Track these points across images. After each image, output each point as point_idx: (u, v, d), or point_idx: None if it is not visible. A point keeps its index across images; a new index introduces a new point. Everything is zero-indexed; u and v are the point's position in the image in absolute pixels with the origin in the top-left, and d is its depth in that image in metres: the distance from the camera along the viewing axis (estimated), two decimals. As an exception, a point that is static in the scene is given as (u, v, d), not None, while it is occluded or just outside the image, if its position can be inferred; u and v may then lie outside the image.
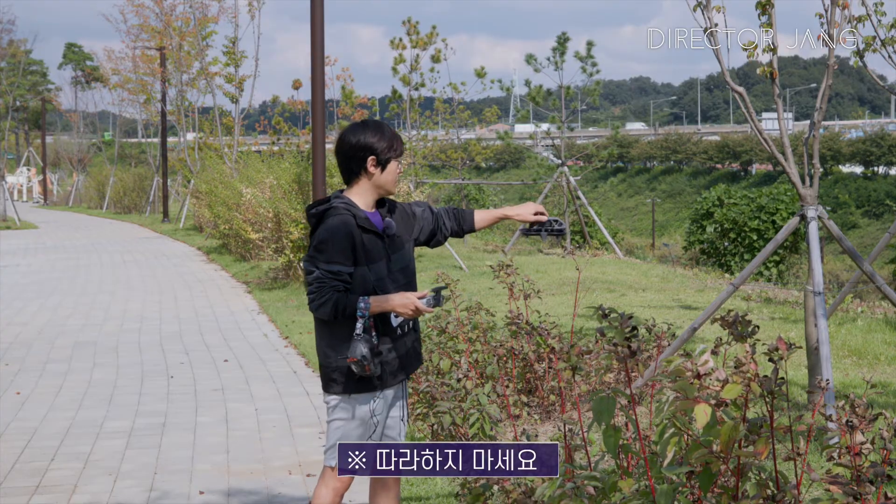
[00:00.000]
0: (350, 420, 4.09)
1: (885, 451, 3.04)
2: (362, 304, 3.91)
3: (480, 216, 4.40)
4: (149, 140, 42.97)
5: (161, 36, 30.12)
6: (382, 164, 4.09)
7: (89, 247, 24.38)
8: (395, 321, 4.08)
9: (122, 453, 6.65)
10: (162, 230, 29.75)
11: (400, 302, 3.95)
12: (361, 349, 3.90)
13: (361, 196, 4.12)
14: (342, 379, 4.06)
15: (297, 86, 25.60)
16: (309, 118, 16.25)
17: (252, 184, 18.45)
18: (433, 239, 4.37)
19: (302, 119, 26.26)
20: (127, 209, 41.32)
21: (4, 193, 34.48)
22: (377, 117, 26.33)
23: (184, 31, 29.08)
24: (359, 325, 3.92)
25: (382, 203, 4.19)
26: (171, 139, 37.40)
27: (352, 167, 4.09)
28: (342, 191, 4.17)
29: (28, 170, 61.66)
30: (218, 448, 6.76)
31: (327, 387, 4.10)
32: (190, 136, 31.53)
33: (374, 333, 3.99)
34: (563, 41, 20.17)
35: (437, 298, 3.99)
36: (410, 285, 4.18)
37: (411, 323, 4.18)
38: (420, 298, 3.96)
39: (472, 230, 4.39)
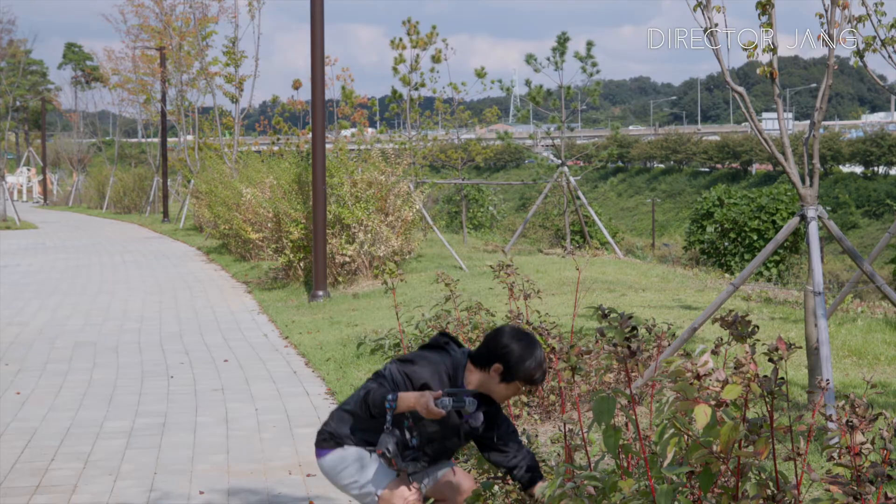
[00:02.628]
0: (360, 470, 4.10)
1: (885, 451, 3.04)
2: (391, 397, 3.91)
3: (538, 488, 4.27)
4: (149, 140, 42.97)
5: (161, 36, 30.12)
6: (507, 380, 4.07)
7: (89, 247, 24.38)
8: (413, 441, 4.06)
9: (122, 453, 6.65)
10: (162, 230, 29.75)
11: (418, 400, 3.90)
12: (387, 442, 3.93)
13: (472, 374, 4.12)
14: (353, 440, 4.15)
15: (297, 86, 25.61)
16: (309, 118, 16.25)
17: (252, 184, 18.45)
18: (479, 439, 4.31)
19: (302, 119, 26.27)
20: (127, 209, 41.32)
21: (4, 193, 34.48)
22: (377, 117, 26.35)
23: (184, 31, 29.08)
24: (388, 416, 3.93)
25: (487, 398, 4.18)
26: (171, 139, 37.40)
27: (486, 355, 4.09)
28: (469, 351, 4.18)
29: (28, 170, 61.68)
30: (218, 448, 6.76)
31: (320, 444, 4.17)
32: (189, 136, 31.53)
33: (414, 434, 3.98)
34: (563, 41, 20.16)
35: (458, 401, 3.91)
36: (435, 462, 4.21)
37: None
38: (437, 399, 3.91)
39: (523, 490, 4.30)
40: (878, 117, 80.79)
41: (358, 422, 4.11)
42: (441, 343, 4.17)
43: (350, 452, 4.12)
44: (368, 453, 4.11)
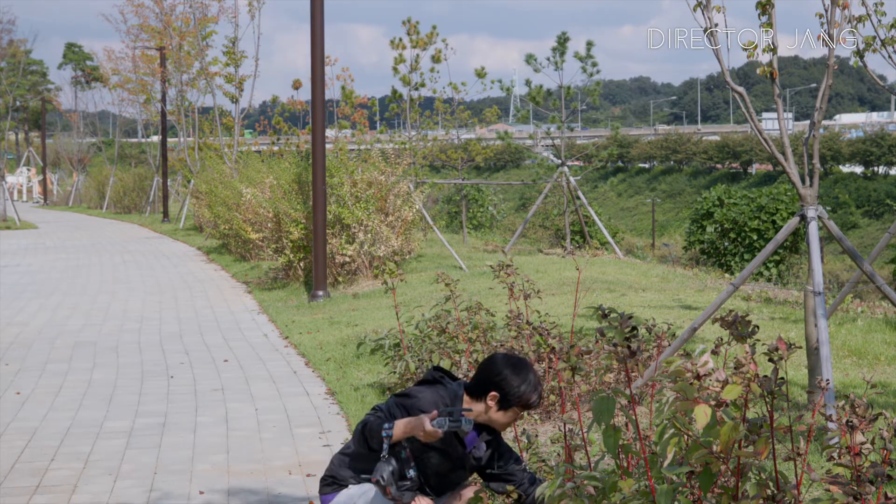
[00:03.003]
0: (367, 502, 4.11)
1: (885, 451, 3.04)
2: (387, 425, 3.96)
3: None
4: (149, 140, 42.97)
5: (161, 36, 30.12)
6: (504, 407, 4.09)
7: (89, 247, 24.38)
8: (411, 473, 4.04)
9: (122, 453, 6.65)
10: (162, 230, 29.75)
11: (413, 424, 3.93)
12: (382, 470, 3.95)
13: (471, 405, 4.14)
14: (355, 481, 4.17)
15: (297, 86, 25.60)
16: (309, 118, 16.25)
17: (252, 184, 18.45)
18: (489, 473, 4.32)
19: (302, 119, 26.26)
20: (127, 209, 41.32)
21: (4, 193, 34.48)
22: (377, 117, 26.34)
23: (184, 31, 29.08)
24: (385, 445, 3.96)
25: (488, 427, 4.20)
26: (171, 140, 37.41)
27: (480, 385, 4.12)
28: (464, 384, 4.19)
29: (28, 170, 61.68)
30: (218, 448, 6.76)
31: (324, 490, 4.20)
32: (190, 137, 31.54)
33: (411, 463, 3.98)
34: (562, 41, 20.17)
35: (454, 421, 3.90)
36: (438, 494, 4.19)
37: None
38: (433, 420, 3.92)
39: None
40: (853, 118, 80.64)
41: (358, 461, 4.14)
42: (436, 377, 4.20)
43: (354, 490, 4.15)
44: (371, 486, 4.11)
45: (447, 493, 4.27)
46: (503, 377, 4.05)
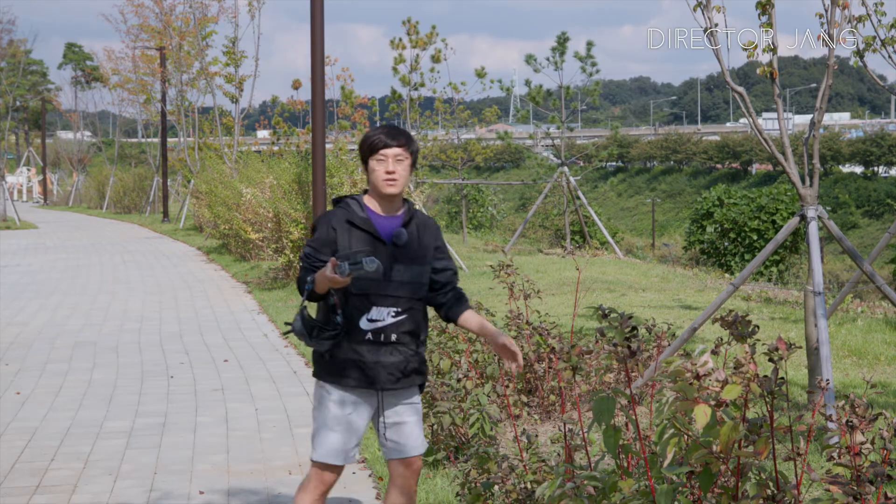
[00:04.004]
0: (317, 408, 4.13)
1: (885, 451, 3.04)
2: (309, 278, 3.98)
3: (470, 317, 4.21)
4: (149, 140, 42.97)
5: (161, 36, 30.12)
6: (365, 164, 4.08)
7: (89, 247, 24.38)
8: (365, 324, 4.01)
9: (122, 453, 6.65)
10: (162, 230, 29.75)
11: (320, 277, 3.91)
12: (297, 322, 4.02)
13: (371, 199, 4.12)
14: (313, 362, 4.17)
15: (296, 86, 25.59)
16: (309, 118, 16.25)
17: (252, 184, 18.45)
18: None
19: (302, 119, 26.26)
20: (127, 209, 41.32)
21: (4, 193, 34.48)
22: (377, 117, 26.36)
23: (184, 31, 29.07)
24: (303, 298, 4.00)
25: (412, 216, 4.13)
26: (170, 139, 37.41)
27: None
28: (366, 191, 4.17)
29: (28, 170, 61.68)
30: (218, 448, 6.76)
31: (314, 372, 4.21)
32: (190, 137, 31.55)
33: (338, 311, 3.98)
34: (562, 41, 20.18)
35: (354, 266, 3.83)
36: (413, 303, 4.08)
37: (395, 337, 4.04)
38: (335, 267, 3.86)
39: (452, 321, 4.24)
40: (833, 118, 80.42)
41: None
42: (336, 203, 4.17)
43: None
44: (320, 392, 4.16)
45: (417, 304, 4.13)
46: (361, 141, 4.10)
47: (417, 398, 4.19)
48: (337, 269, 3.83)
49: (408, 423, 4.14)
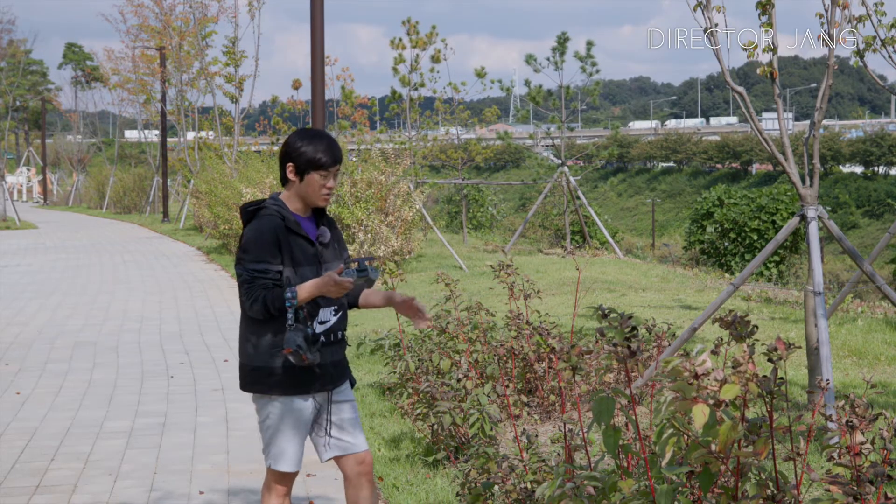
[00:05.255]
0: (270, 421, 4.08)
1: (885, 451, 3.04)
2: (289, 294, 3.90)
3: (369, 294, 4.26)
4: (149, 140, 42.98)
5: (161, 36, 30.12)
6: (300, 174, 4.05)
7: (89, 247, 24.38)
8: (318, 328, 4.03)
9: (122, 453, 6.65)
10: (162, 230, 29.75)
11: (322, 282, 3.91)
12: (296, 339, 3.90)
13: (291, 200, 4.10)
14: (252, 379, 4.07)
15: (296, 86, 25.62)
16: (309, 118, 16.26)
17: (252, 184, 18.45)
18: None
19: (302, 119, 26.28)
20: (127, 209, 41.33)
21: (4, 193, 34.48)
22: (377, 117, 26.36)
23: (183, 31, 29.08)
24: (289, 315, 3.92)
25: (321, 213, 4.16)
26: (171, 139, 37.41)
27: (281, 168, 4.10)
28: (279, 193, 4.16)
29: (28, 170, 61.68)
30: (218, 448, 6.76)
31: (252, 388, 4.10)
32: (190, 135, 31.54)
33: (308, 324, 3.99)
34: (562, 41, 20.17)
35: (362, 271, 3.86)
36: (342, 298, 4.13)
37: (339, 334, 4.12)
38: (340, 273, 3.89)
39: (354, 307, 4.27)
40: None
41: (261, 334, 4.07)
42: (250, 211, 4.10)
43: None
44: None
45: (345, 302, 4.20)
46: (290, 146, 4.05)
47: (352, 393, 4.26)
48: (345, 273, 3.88)
49: (351, 418, 4.19)
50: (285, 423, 4.07)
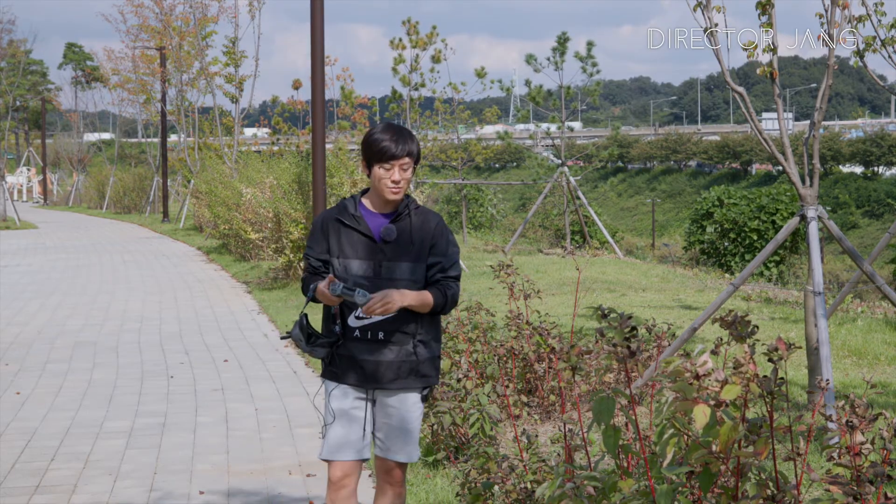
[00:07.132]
0: (324, 406, 4.18)
1: (885, 451, 3.04)
2: (311, 286, 4.05)
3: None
4: (149, 140, 42.96)
5: (161, 36, 30.11)
6: (368, 168, 4.05)
7: (89, 247, 24.38)
8: (353, 322, 4.04)
9: (122, 453, 6.65)
10: (162, 230, 29.74)
11: (321, 287, 3.98)
12: (295, 328, 4.09)
13: (370, 195, 4.14)
14: (323, 363, 4.21)
15: (297, 86, 25.60)
16: (309, 118, 16.25)
17: (252, 184, 18.45)
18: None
19: (302, 119, 26.26)
20: (127, 209, 41.31)
21: (4, 193, 34.46)
22: (377, 117, 26.35)
23: (184, 31, 29.07)
24: (306, 301, 4.11)
25: (406, 211, 4.10)
26: (171, 139, 37.39)
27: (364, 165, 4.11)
28: (367, 189, 4.20)
29: (28, 170, 61.65)
30: (218, 448, 6.76)
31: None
32: (189, 138, 31.54)
33: (338, 322, 4.04)
34: (563, 41, 20.17)
35: (347, 290, 3.88)
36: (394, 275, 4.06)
37: (381, 334, 4.02)
38: (330, 284, 3.93)
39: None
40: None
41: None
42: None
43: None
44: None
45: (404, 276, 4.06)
46: (362, 141, 4.06)
47: (415, 404, 4.11)
48: (331, 287, 3.91)
49: (395, 427, 4.10)
50: (328, 407, 4.12)
